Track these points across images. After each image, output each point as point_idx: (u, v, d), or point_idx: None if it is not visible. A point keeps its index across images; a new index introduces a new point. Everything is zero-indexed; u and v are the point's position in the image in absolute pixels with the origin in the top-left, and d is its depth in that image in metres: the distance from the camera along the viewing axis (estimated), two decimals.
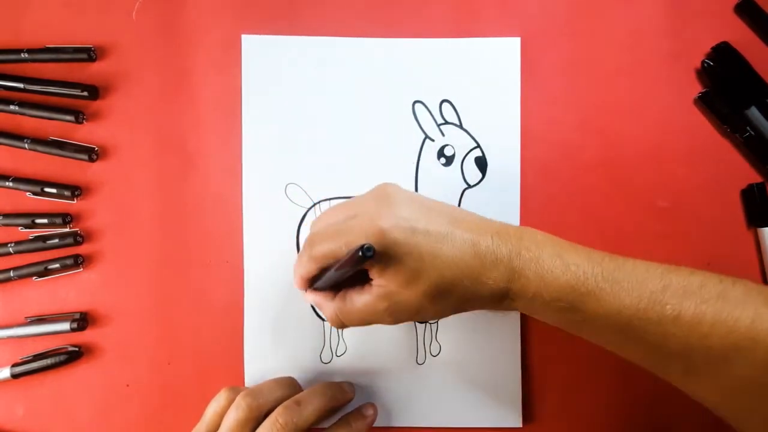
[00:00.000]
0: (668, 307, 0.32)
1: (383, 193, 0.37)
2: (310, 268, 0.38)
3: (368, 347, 0.47)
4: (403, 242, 0.33)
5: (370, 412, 0.45)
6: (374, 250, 0.30)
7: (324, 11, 0.47)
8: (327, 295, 0.39)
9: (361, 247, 0.30)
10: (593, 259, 0.35)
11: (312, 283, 0.40)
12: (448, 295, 0.35)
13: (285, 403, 0.40)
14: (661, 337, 0.32)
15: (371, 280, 0.36)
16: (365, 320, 0.37)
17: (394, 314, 0.36)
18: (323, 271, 0.38)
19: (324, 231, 0.37)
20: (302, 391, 0.43)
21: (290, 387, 0.43)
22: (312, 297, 0.41)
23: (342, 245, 0.35)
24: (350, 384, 0.45)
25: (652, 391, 0.47)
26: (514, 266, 0.34)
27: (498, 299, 0.35)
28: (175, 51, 0.47)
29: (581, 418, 0.46)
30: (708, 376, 0.33)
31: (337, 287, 0.39)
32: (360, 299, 0.36)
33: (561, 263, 0.34)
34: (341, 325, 0.39)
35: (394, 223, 0.34)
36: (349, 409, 0.45)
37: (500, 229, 0.36)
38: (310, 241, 0.37)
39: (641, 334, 0.33)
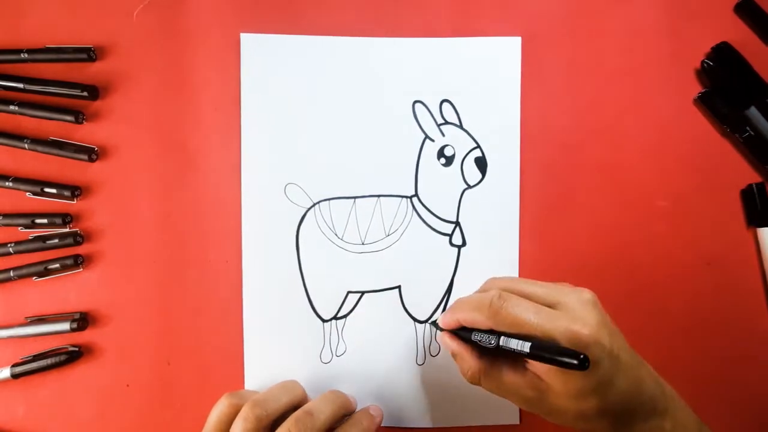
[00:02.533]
0: None
1: (584, 294, 0.35)
2: (480, 323, 0.36)
3: (368, 347, 0.47)
4: (597, 362, 0.32)
5: (378, 412, 0.45)
6: (589, 365, 0.29)
7: (324, 10, 0.47)
8: (471, 352, 0.38)
9: (578, 356, 0.29)
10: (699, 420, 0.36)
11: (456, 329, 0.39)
12: (603, 421, 0.34)
13: (296, 414, 0.39)
14: None
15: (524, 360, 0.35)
16: (503, 394, 0.36)
17: (534, 406, 0.35)
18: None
19: (521, 305, 0.34)
20: (305, 392, 0.43)
21: (295, 391, 0.42)
22: (454, 345, 0.39)
23: (538, 331, 0.33)
24: (351, 396, 0.45)
25: None
26: (664, 420, 0.35)
27: (647, 413, 0.35)
28: (175, 51, 0.47)
29: None
30: None
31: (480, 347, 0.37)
32: (509, 376, 0.36)
33: (689, 411, 0.36)
34: (476, 383, 0.38)
35: (598, 338, 0.32)
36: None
37: (659, 381, 0.36)
38: (504, 302, 0.35)
39: None
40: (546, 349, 0.31)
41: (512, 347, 0.33)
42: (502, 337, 0.34)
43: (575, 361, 0.29)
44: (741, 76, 0.46)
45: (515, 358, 0.36)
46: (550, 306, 0.35)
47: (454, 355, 0.39)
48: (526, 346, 0.32)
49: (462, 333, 0.38)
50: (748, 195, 0.47)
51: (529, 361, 0.35)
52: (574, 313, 0.33)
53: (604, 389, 0.33)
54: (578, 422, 0.34)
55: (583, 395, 0.33)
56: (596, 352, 0.32)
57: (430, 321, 0.46)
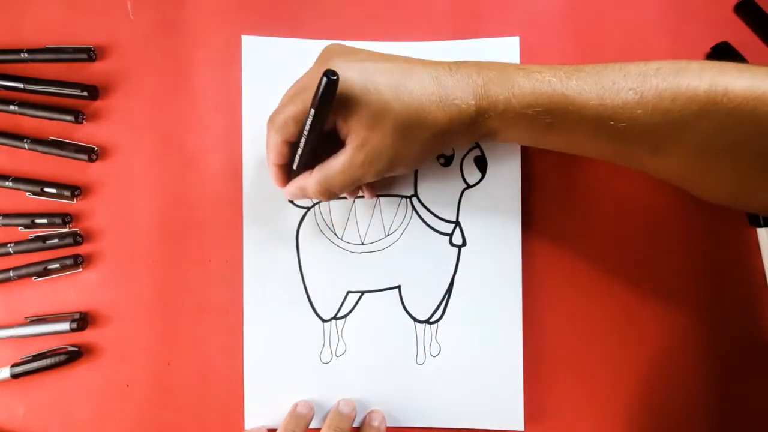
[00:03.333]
0: (630, 91, 0.34)
1: (326, 52, 0.39)
2: (278, 146, 0.39)
3: (368, 347, 0.47)
4: (360, 81, 0.35)
5: (380, 418, 0.45)
6: (338, 75, 0.32)
7: (324, 14, 0.47)
8: (305, 174, 0.39)
9: (324, 74, 0.31)
10: (552, 66, 0.36)
11: (288, 174, 0.41)
12: (419, 129, 0.36)
13: None
14: (627, 121, 0.34)
15: (343, 145, 0.37)
16: (348, 180, 0.38)
17: (373, 164, 0.37)
18: (293, 152, 0.39)
19: (280, 107, 0.38)
20: (310, 408, 0.45)
21: (307, 418, 0.45)
22: (293, 185, 0.41)
23: (299, 103, 0.36)
24: (347, 402, 0.45)
25: (656, 395, 0.46)
26: (477, 83, 0.36)
27: (470, 123, 0.36)
28: (175, 51, 0.47)
29: (584, 421, 0.46)
30: (673, 148, 0.35)
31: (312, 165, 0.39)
32: (337, 161, 0.37)
33: (524, 73, 0.36)
34: (329, 193, 0.39)
35: (346, 66, 0.35)
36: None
37: (455, 62, 0.37)
38: (271, 124, 0.38)
39: (608, 123, 0.35)
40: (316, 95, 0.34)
41: (305, 130, 0.36)
42: (301, 137, 0.37)
43: (325, 78, 0.32)
44: None
45: (334, 148, 0.38)
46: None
47: (303, 194, 0.41)
48: (308, 118, 0.35)
49: (291, 174, 0.41)
50: None
51: (340, 134, 0.37)
52: (314, 74, 0.37)
53: (387, 101, 0.35)
54: (411, 149, 0.37)
55: (380, 119, 0.35)
56: (347, 75, 0.35)
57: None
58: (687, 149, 0.35)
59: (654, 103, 0.34)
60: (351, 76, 0.35)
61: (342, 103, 0.35)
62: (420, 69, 0.36)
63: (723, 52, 0.46)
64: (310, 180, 0.39)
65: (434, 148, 0.38)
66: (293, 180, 0.41)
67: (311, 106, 0.34)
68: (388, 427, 0.46)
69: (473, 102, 0.36)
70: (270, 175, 0.41)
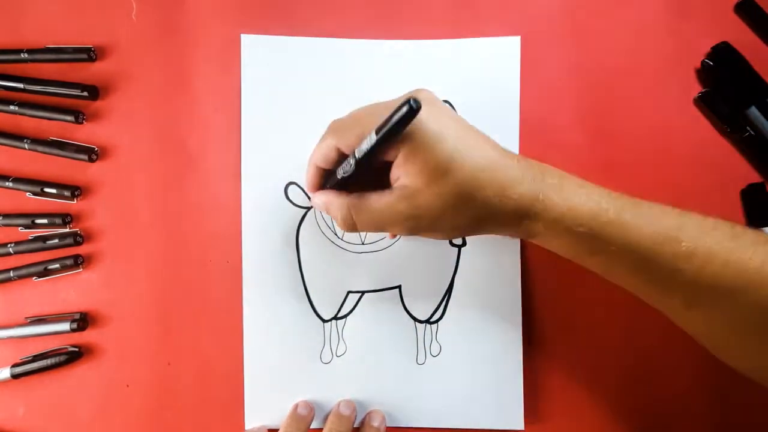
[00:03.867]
0: (683, 244, 0.33)
1: (416, 91, 0.35)
2: (329, 150, 0.36)
3: (368, 347, 0.47)
4: (437, 126, 0.32)
5: (379, 418, 0.45)
6: (420, 105, 0.29)
7: (324, 12, 0.47)
8: (337, 193, 0.37)
9: (408, 100, 0.29)
10: (612, 194, 0.36)
11: (323, 182, 0.38)
12: (471, 203, 0.33)
13: None
14: (671, 271, 0.34)
15: (390, 186, 0.35)
16: (379, 223, 0.36)
17: (411, 219, 0.34)
18: (339, 162, 0.36)
19: (349, 117, 0.36)
20: (310, 409, 0.45)
21: (307, 420, 0.45)
22: (322, 197, 0.38)
23: (370, 123, 0.32)
24: (348, 403, 0.45)
25: (656, 394, 0.46)
26: (539, 187, 0.34)
27: (519, 218, 0.35)
28: (175, 51, 0.47)
29: (584, 421, 0.46)
30: (708, 311, 0.35)
31: (346, 188, 0.37)
32: (376, 200, 0.35)
33: (584, 192, 0.35)
34: (352, 226, 0.37)
35: (431, 107, 0.33)
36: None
37: (523, 157, 0.36)
38: (332, 128, 0.36)
39: (653, 267, 0.34)
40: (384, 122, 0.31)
41: (364, 147, 0.32)
42: (356, 150, 0.33)
43: (405, 107, 0.29)
44: (741, 76, 0.46)
45: (380, 182, 0.35)
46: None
47: (326, 207, 0.38)
48: (372, 135, 0.32)
49: (326, 183, 0.39)
50: (748, 195, 0.46)
51: (391, 175, 0.34)
52: (394, 101, 0.35)
53: (456, 160, 0.32)
54: (451, 214, 0.34)
55: (441, 175, 0.32)
56: (426, 115, 0.32)
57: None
58: (722, 316, 0.35)
59: (702, 263, 0.33)
60: (431, 118, 0.32)
61: (410, 140, 0.32)
62: (494, 146, 0.35)
63: (723, 52, 0.46)
64: (339, 203, 0.37)
65: (475, 228, 0.36)
66: (323, 191, 0.38)
67: (378, 129, 0.31)
68: (388, 428, 0.46)
69: (528, 203, 0.34)
70: (306, 173, 0.39)
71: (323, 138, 0.37)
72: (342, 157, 0.36)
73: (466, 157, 0.33)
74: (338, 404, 0.45)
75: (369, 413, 0.46)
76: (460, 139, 0.33)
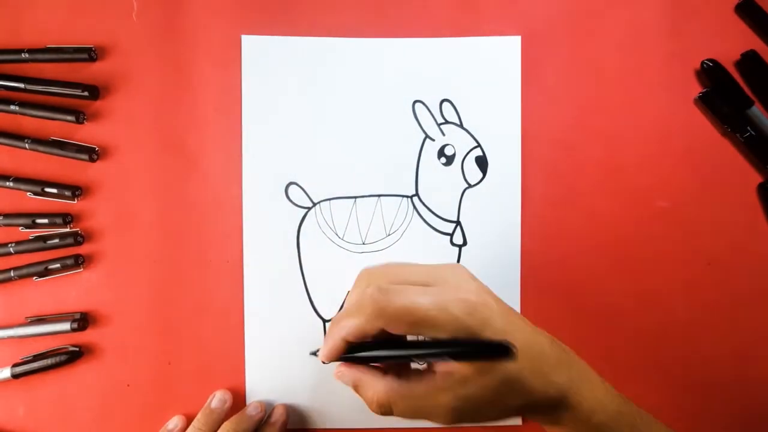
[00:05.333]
0: None
1: (457, 268, 0.34)
2: (368, 329, 0.32)
3: None
4: (490, 322, 0.31)
5: (276, 415, 0.45)
6: (514, 349, 0.28)
7: (324, 12, 0.47)
8: (373, 372, 0.33)
9: (499, 345, 0.27)
10: (627, 401, 0.36)
11: (343, 351, 0.33)
12: (518, 392, 0.32)
13: None
14: None
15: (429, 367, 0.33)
16: (419, 410, 0.32)
17: (456, 410, 0.32)
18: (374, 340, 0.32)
19: (403, 290, 0.31)
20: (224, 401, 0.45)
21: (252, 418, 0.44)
22: (352, 374, 0.34)
23: (431, 312, 0.30)
24: (257, 404, 0.45)
25: (655, 395, 0.46)
26: (573, 377, 0.34)
27: (554, 406, 0.34)
28: (175, 51, 0.47)
29: None
30: None
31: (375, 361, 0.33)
32: (420, 386, 0.32)
33: (608, 392, 0.35)
34: (388, 410, 0.33)
35: (483, 300, 0.32)
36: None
37: (548, 335, 0.36)
38: (383, 292, 0.31)
39: None
40: (470, 346, 0.30)
41: (437, 353, 0.30)
42: (405, 351, 0.31)
43: (500, 350, 0.28)
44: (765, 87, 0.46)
45: (417, 367, 0.34)
46: (430, 285, 0.33)
47: (355, 385, 0.34)
48: (451, 351, 0.30)
49: (355, 357, 0.33)
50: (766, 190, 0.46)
51: (436, 362, 0.33)
52: (455, 284, 0.33)
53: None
54: (497, 402, 0.32)
55: (492, 365, 0.31)
56: (486, 313, 0.31)
57: (311, 353, 0.39)
58: None
59: None
60: (486, 316, 0.31)
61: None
62: (535, 330, 0.34)
63: (751, 60, 0.46)
64: (376, 386, 0.33)
65: (515, 414, 0.34)
66: (353, 368, 0.34)
67: (460, 354, 0.29)
68: (389, 428, 0.46)
69: (564, 392, 0.33)
70: (328, 342, 0.34)
71: (361, 313, 0.32)
72: (381, 333, 0.32)
73: (516, 337, 0.31)
74: (247, 406, 0.46)
75: (273, 408, 0.46)
76: (505, 324, 0.32)
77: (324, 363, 0.34)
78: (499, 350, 0.28)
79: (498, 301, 0.34)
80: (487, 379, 0.31)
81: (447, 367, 0.32)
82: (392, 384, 0.33)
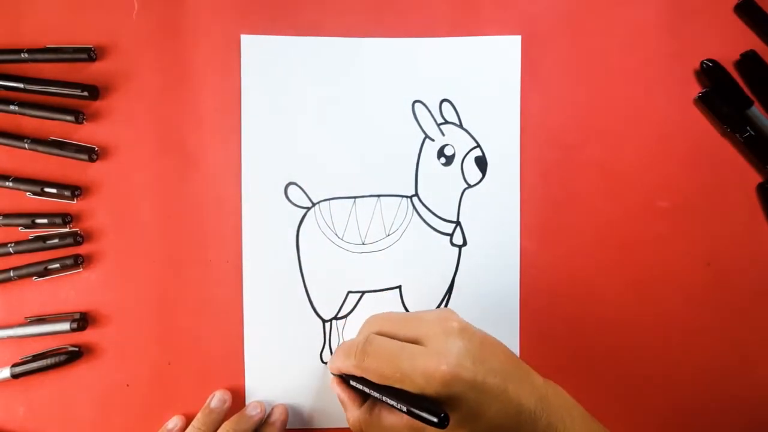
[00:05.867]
0: None
1: (448, 322, 0.36)
2: (354, 370, 0.37)
3: None
4: (460, 396, 0.33)
5: (275, 414, 0.46)
6: (448, 422, 0.31)
7: (323, 11, 0.47)
8: (355, 400, 0.40)
9: (439, 416, 0.30)
10: None
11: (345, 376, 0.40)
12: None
13: None
14: None
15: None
16: None
17: None
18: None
19: (383, 348, 0.36)
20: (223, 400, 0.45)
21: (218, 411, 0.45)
22: (339, 391, 0.41)
23: (398, 373, 0.34)
24: (256, 404, 0.45)
25: (651, 393, 0.46)
26: (555, 423, 0.35)
27: None
28: (175, 51, 0.47)
29: None
30: None
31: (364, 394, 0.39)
32: (388, 419, 0.36)
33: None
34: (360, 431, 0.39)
35: (458, 372, 0.33)
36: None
37: (543, 395, 0.36)
38: (368, 347, 0.37)
39: None
40: (413, 404, 0.32)
41: (385, 400, 0.35)
42: (381, 394, 0.35)
43: (435, 419, 0.31)
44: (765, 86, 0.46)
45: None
46: (417, 342, 0.36)
47: (341, 402, 0.41)
48: (395, 401, 0.34)
49: (346, 380, 0.40)
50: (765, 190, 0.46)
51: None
52: (436, 347, 0.34)
53: (473, 420, 0.33)
54: None
55: (456, 428, 0.33)
56: (457, 388, 0.33)
57: (324, 362, 0.47)
58: None
59: None
60: (456, 391, 0.33)
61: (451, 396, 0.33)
62: (511, 398, 0.35)
63: (751, 60, 0.46)
64: (353, 410, 0.39)
65: None
66: (341, 387, 0.41)
67: (404, 410, 0.33)
68: None
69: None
70: (334, 360, 0.40)
71: (353, 355, 0.37)
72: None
73: (487, 410, 0.33)
74: (247, 406, 0.46)
75: (272, 408, 0.46)
76: (480, 396, 0.33)
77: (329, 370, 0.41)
78: (435, 419, 0.31)
79: (477, 364, 0.34)
80: (463, 430, 0.34)
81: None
82: (364, 416, 0.38)
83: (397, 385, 0.34)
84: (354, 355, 0.37)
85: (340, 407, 0.46)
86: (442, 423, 0.31)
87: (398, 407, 0.33)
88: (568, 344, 0.46)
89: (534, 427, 0.34)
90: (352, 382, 0.39)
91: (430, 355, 0.34)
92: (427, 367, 0.33)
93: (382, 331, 0.38)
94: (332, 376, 0.42)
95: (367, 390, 0.37)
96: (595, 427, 0.37)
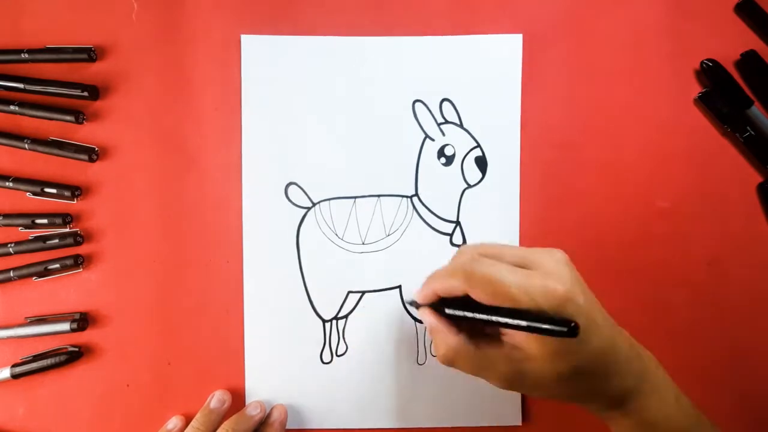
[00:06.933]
0: None
1: (556, 253, 0.35)
2: (455, 289, 0.35)
3: (369, 347, 0.47)
4: (570, 316, 0.32)
5: (275, 414, 0.45)
6: (578, 331, 0.29)
7: (323, 11, 0.47)
8: (449, 327, 0.36)
9: (569, 324, 0.29)
10: (702, 421, 0.37)
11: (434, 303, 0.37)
12: (581, 384, 0.34)
13: None
14: None
15: (500, 332, 0.34)
16: (478, 370, 0.35)
17: (511, 380, 0.34)
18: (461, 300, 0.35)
19: (494, 267, 0.33)
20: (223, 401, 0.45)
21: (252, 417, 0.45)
22: (431, 319, 0.37)
23: (514, 290, 0.32)
24: (256, 404, 0.45)
25: None
26: (642, 387, 0.35)
27: (611, 407, 0.35)
28: (175, 51, 0.47)
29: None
30: None
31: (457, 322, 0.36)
32: (487, 349, 0.35)
33: (680, 410, 0.36)
34: (451, 364, 0.36)
35: (573, 295, 0.32)
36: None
37: (633, 343, 0.36)
38: (476, 266, 0.34)
39: None
40: (536, 320, 0.31)
41: (497, 320, 0.32)
42: (481, 315, 0.33)
43: (565, 329, 0.29)
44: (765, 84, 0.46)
45: (491, 332, 0.35)
46: (524, 266, 0.34)
47: (432, 331, 0.38)
48: (510, 319, 0.32)
49: (440, 307, 0.37)
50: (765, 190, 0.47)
51: (506, 332, 0.34)
52: (548, 271, 0.33)
53: (580, 346, 0.32)
54: (554, 387, 0.34)
55: (559, 355, 0.32)
56: (571, 309, 0.32)
57: (409, 302, 0.45)
58: None
59: None
60: (571, 312, 0.32)
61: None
62: (614, 327, 0.35)
63: (751, 60, 0.46)
64: (449, 337, 0.36)
65: (575, 400, 0.35)
66: (436, 317, 0.37)
67: (524, 327, 0.31)
68: (390, 428, 0.46)
69: (628, 397, 0.35)
70: (423, 289, 0.38)
71: (458, 269, 0.35)
72: (467, 295, 0.35)
73: (592, 338, 0.32)
74: (247, 405, 0.46)
75: (272, 408, 0.46)
76: (586, 322, 0.32)
77: (416, 306, 0.39)
78: (565, 329, 0.29)
79: (585, 294, 0.33)
80: (551, 366, 0.32)
81: (517, 339, 0.33)
82: (461, 343, 0.35)
83: (509, 304, 0.32)
84: (461, 272, 0.34)
85: (340, 407, 0.46)
86: (573, 332, 0.29)
87: (514, 324, 0.31)
88: None
89: (628, 369, 0.34)
90: (448, 311, 0.36)
91: (545, 275, 0.33)
92: (546, 284, 0.32)
93: (485, 254, 0.35)
94: (419, 307, 0.39)
95: (470, 315, 0.34)
96: (677, 388, 0.37)
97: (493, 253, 0.35)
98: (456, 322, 0.36)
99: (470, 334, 0.36)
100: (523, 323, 0.31)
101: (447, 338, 0.36)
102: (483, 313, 0.33)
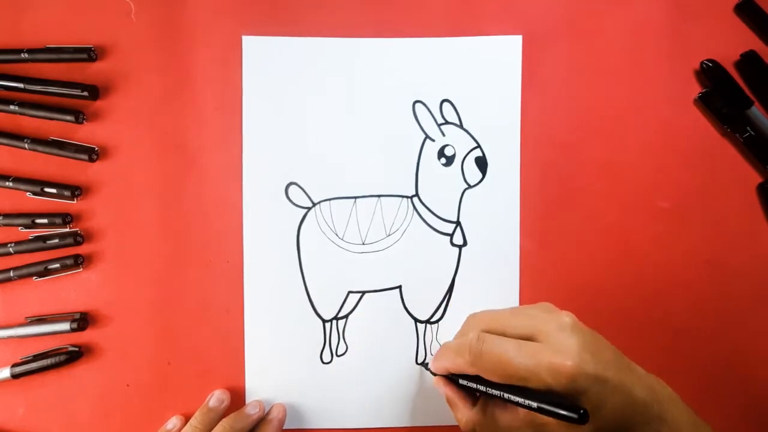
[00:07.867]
0: None
1: (563, 317, 0.36)
2: (465, 368, 0.36)
3: (369, 347, 0.47)
4: (584, 390, 0.32)
5: (274, 412, 0.46)
6: (588, 417, 0.29)
7: (324, 12, 0.47)
8: (466, 399, 0.38)
9: (579, 412, 0.29)
10: None
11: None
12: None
13: None
14: None
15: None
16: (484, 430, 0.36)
17: None
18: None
19: (500, 346, 0.34)
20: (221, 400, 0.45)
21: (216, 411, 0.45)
22: (447, 390, 0.39)
23: (522, 371, 0.33)
24: (256, 403, 0.45)
25: None
26: (662, 418, 0.35)
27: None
28: (175, 51, 0.47)
29: None
30: None
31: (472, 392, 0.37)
32: (504, 417, 0.35)
33: None
34: (473, 431, 0.37)
35: (582, 367, 0.32)
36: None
37: (650, 385, 0.36)
38: (482, 345, 0.35)
39: None
40: (546, 402, 0.31)
41: (508, 398, 0.33)
42: (501, 392, 0.34)
43: (575, 415, 0.29)
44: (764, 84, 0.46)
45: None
46: (530, 338, 0.35)
47: (448, 402, 0.39)
48: (521, 398, 0.32)
49: (454, 377, 0.39)
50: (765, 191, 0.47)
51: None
52: (554, 343, 0.33)
53: (597, 414, 0.33)
54: None
55: (574, 427, 0.32)
56: (582, 383, 0.32)
57: (422, 364, 0.46)
58: None
59: None
60: (580, 386, 0.32)
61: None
62: (639, 389, 0.34)
63: (751, 61, 0.46)
64: (465, 411, 0.37)
65: None
66: (450, 387, 0.39)
67: (540, 408, 0.31)
68: (390, 428, 0.46)
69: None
70: (439, 357, 0.39)
71: (466, 350, 0.36)
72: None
73: (607, 403, 0.33)
74: (247, 404, 0.46)
75: (271, 406, 0.46)
76: (600, 391, 0.32)
77: (432, 373, 0.41)
78: (575, 415, 0.30)
79: (595, 355, 0.33)
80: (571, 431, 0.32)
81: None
82: (478, 415, 0.37)
83: (519, 383, 0.33)
84: (468, 354, 0.35)
85: (340, 407, 0.46)
86: (583, 419, 0.29)
87: (526, 404, 0.32)
88: None
89: (647, 416, 0.34)
90: (462, 381, 0.38)
91: (552, 351, 0.33)
92: (553, 362, 0.32)
93: (490, 329, 0.36)
94: (434, 376, 0.41)
95: (482, 389, 0.35)
96: (696, 419, 0.37)
97: (497, 328, 0.36)
98: (471, 393, 0.38)
99: (485, 402, 0.37)
100: (534, 404, 0.31)
101: (465, 411, 0.37)
102: (495, 388, 0.34)
